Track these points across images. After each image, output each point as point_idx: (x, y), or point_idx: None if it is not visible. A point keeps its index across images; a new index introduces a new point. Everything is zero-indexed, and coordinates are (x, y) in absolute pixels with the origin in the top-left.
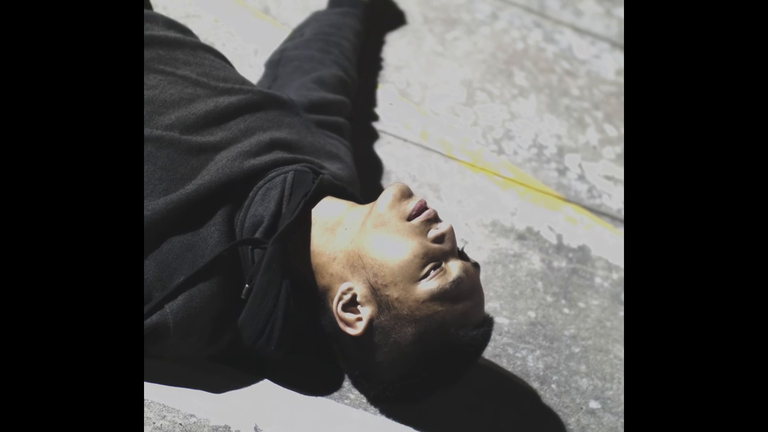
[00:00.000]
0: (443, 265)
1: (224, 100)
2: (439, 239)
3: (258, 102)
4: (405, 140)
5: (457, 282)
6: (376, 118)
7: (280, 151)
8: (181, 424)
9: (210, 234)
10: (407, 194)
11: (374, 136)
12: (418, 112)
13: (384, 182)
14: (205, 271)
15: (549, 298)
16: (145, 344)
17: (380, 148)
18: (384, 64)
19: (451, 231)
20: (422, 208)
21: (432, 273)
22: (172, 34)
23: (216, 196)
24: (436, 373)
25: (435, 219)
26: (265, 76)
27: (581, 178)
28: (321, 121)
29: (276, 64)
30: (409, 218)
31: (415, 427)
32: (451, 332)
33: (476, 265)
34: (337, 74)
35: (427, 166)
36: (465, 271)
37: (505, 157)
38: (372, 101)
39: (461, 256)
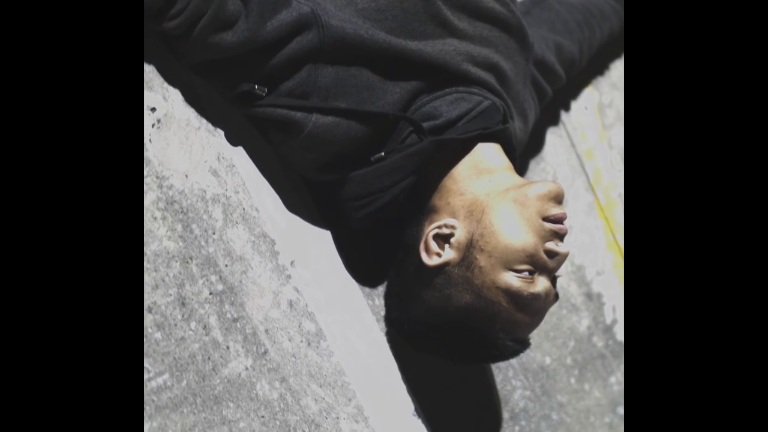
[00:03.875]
0: (535, 275)
1: (489, 2)
2: (551, 254)
3: (512, 26)
4: (573, 145)
5: (534, 297)
6: (567, 108)
7: (494, 78)
8: (244, 209)
9: (392, 91)
10: (558, 200)
11: (555, 121)
12: (599, 133)
13: (533, 162)
14: (365, 114)
15: (569, 360)
16: (273, 129)
17: (550, 135)
18: (606, 73)
19: (565, 257)
20: (560, 220)
21: (524, 276)
22: None
23: (422, 68)
24: (454, 345)
25: (561, 237)
26: (521, 5)
27: None
28: (536, 80)
29: (536, 3)
30: (544, 219)
31: (399, 365)
32: (494, 328)
33: (556, 297)
34: (575, 54)
35: (570, 179)
36: (546, 293)
37: None
38: (575, 94)
39: (553, 279)
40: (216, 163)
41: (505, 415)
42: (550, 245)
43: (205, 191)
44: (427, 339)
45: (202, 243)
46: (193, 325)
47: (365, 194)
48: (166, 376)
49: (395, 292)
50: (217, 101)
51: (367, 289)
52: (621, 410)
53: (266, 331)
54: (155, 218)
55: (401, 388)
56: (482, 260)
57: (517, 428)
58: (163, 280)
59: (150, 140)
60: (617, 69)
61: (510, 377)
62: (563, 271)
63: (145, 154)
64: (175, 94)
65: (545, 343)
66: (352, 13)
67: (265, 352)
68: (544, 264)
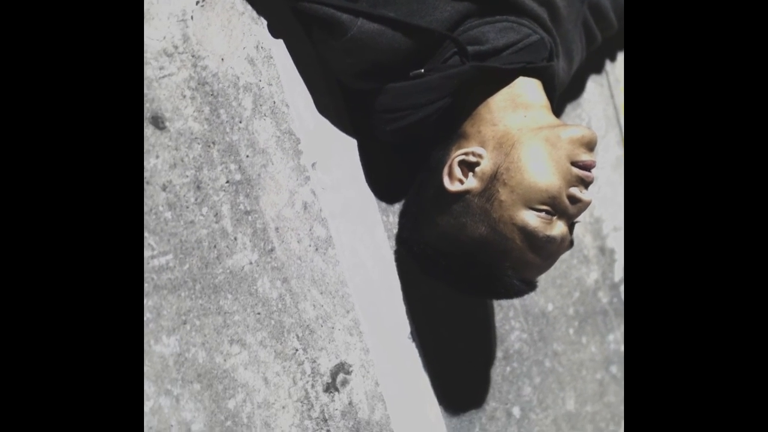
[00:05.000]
0: (554, 217)
1: None
2: (573, 200)
3: None
4: (612, 96)
5: (549, 239)
6: (613, 58)
7: (546, 13)
8: (274, 102)
9: (443, 8)
10: (590, 147)
11: (598, 69)
12: None
13: (570, 107)
14: (412, 27)
15: (570, 311)
16: (316, 27)
17: (591, 83)
18: None
19: (587, 205)
20: (589, 167)
21: (543, 216)
22: None
23: None
24: (461, 275)
25: (586, 185)
26: None
27: None
28: (588, 24)
29: None
30: (573, 163)
31: (402, 286)
32: (504, 265)
33: (571, 243)
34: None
35: (603, 130)
36: (562, 238)
37: None
38: (623, 45)
39: (570, 225)
40: (254, 52)
41: (499, 353)
42: (574, 191)
43: (238, 78)
44: (435, 264)
45: (227, 129)
46: (204, 210)
47: (398, 108)
48: (169, 256)
49: (411, 212)
50: None
51: (383, 204)
52: (614, 369)
53: (276, 229)
54: (184, 96)
55: (401, 308)
56: (504, 194)
57: (508, 369)
58: (182, 160)
59: (192, 17)
60: None
61: (510, 317)
62: (581, 220)
63: (185, 31)
64: None
65: (550, 289)
66: None
67: (272, 249)
68: (565, 208)
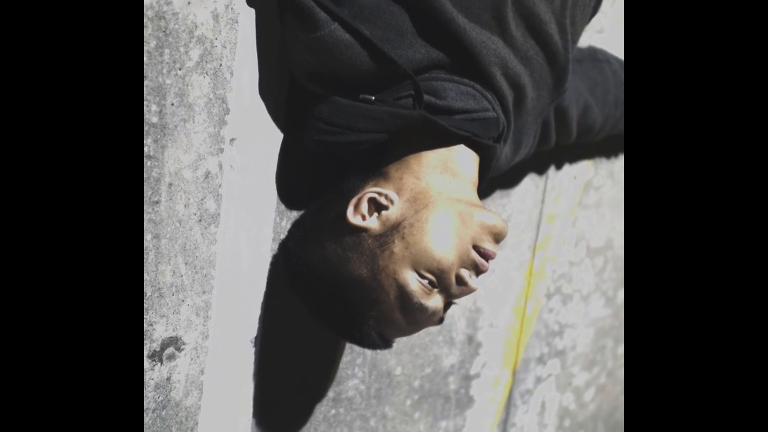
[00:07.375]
0: (435, 290)
1: (552, 29)
2: (460, 281)
3: (558, 62)
4: (542, 201)
5: (421, 308)
6: (559, 167)
7: (512, 97)
8: (221, 65)
9: (418, 49)
10: (497, 239)
11: (540, 170)
12: (572, 207)
13: (498, 193)
14: (380, 53)
15: (416, 383)
16: (291, 13)
17: (528, 180)
18: (612, 160)
19: (470, 291)
20: (487, 257)
21: (424, 284)
22: None
23: (456, 47)
24: (325, 305)
25: (478, 271)
26: (579, 51)
27: (539, 382)
28: (547, 125)
29: (593, 59)
30: (474, 247)
31: (266, 290)
32: (369, 313)
33: (440, 321)
34: (596, 124)
35: (520, 229)
36: (433, 312)
37: (547, 306)
38: (573, 159)
39: (447, 304)
40: (222, 9)
41: (331, 393)
42: (464, 273)
43: (196, 27)
44: (306, 284)
45: (164, 71)
46: None
47: (334, 122)
48: None
49: (305, 225)
50: None
51: (282, 207)
52: None
53: (170, 184)
54: None
55: (256, 310)
56: (397, 247)
57: (333, 411)
58: None
59: None
60: (622, 163)
61: (356, 363)
62: (462, 304)
63: None
64: None
65: (406, 354)
66: None
67: (157, 202)
68: (448, 285)
